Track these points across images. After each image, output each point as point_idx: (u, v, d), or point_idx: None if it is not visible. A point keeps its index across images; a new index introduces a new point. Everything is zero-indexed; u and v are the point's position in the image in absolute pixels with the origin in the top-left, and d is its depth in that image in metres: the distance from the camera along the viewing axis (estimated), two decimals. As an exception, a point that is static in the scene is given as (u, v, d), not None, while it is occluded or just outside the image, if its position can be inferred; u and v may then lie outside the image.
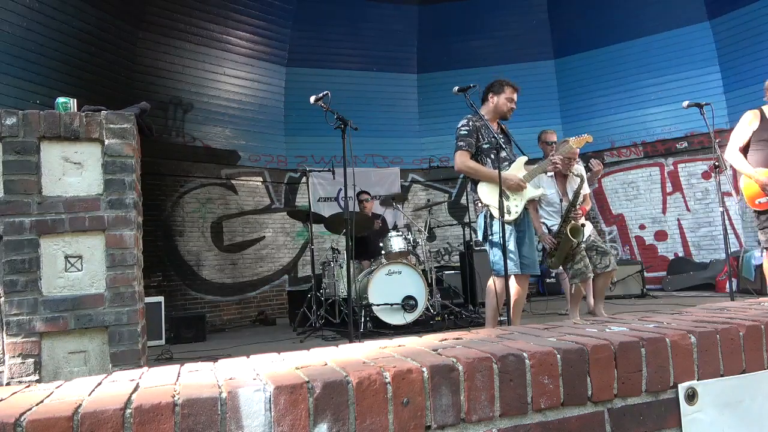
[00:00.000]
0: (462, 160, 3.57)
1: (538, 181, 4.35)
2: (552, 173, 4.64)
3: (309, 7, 8.60)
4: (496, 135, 3.51)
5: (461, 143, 3.58)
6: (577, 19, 9.04)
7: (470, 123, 3.60)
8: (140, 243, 2.58)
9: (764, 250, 4.17)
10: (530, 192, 3.64)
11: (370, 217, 6.31)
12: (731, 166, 4.29)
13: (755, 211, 4.04)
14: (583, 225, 4.65)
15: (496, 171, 3.35)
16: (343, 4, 8.80)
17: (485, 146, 3.59)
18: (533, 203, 4.03)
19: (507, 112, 3.72)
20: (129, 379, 1.07)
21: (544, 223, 4.78)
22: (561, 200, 4.77)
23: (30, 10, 5.75)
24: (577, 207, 4.58)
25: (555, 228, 4.68)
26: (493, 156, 3.52)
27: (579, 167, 4.89)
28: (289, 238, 8.79)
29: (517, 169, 3.63)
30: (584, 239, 4.67)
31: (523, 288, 3.62)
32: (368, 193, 6.80)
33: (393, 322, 5.32)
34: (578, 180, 4.74)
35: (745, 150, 4.11)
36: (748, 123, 4.08)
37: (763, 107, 4.08)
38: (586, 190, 4.79)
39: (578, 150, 4.55)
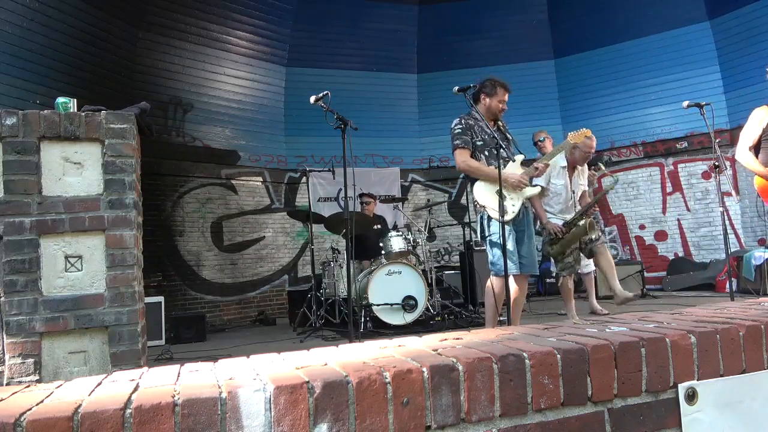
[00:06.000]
0: (463, 159, 3.59)
1: (551, 171, 4.54)
2: (565, 165, 4.83)
3: (309, 7, 8.60)
4: (494, 134, 3.51)
5: (457, 141, 3.61)
6: (577, 19, 9.04)
7: (462, 121, 3.65)
8: (140, 243, 2.58)
9: None
10: (527, 191, 3.65)
11: (371, 218, 6.31)
12: (732, 166, 4.25)
13: None
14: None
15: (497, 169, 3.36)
16: (343, 4, 8.80)
17: (478, 143, 3.61)
18: (535, 196, 4.09)
19: (498, 113, 3.73)
20: (129, 379, 1.07)
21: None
22: (573, 192, 4.82)
23: (30, 10, 5.75)
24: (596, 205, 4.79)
25: (554, 220, 4.72)
26: (486, 153, 3.58)
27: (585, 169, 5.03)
28: (289, 238, 8.79)
29: (513, 169, 3.62)
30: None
31: (523, 288, 3.63)
32: (372, 196, 6.78)
33: (393, 322, 5.32)
34: (585, 174, 4.94)
35: (756, 148, 4.00)
36: (758, 122, 3.94)
37: None
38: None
39: (594, 143, 4.70)
